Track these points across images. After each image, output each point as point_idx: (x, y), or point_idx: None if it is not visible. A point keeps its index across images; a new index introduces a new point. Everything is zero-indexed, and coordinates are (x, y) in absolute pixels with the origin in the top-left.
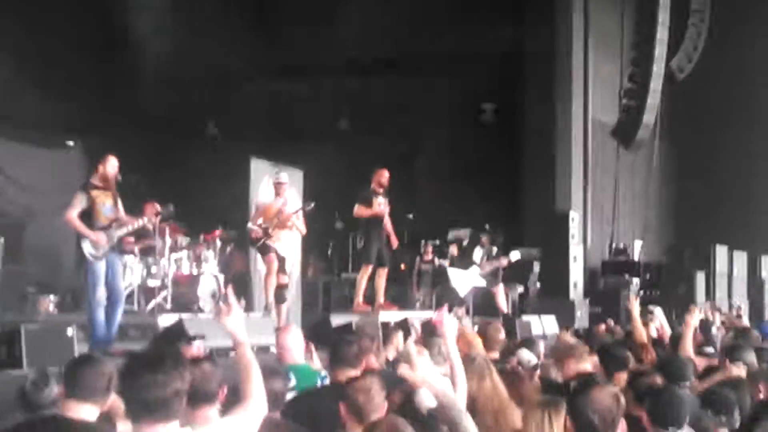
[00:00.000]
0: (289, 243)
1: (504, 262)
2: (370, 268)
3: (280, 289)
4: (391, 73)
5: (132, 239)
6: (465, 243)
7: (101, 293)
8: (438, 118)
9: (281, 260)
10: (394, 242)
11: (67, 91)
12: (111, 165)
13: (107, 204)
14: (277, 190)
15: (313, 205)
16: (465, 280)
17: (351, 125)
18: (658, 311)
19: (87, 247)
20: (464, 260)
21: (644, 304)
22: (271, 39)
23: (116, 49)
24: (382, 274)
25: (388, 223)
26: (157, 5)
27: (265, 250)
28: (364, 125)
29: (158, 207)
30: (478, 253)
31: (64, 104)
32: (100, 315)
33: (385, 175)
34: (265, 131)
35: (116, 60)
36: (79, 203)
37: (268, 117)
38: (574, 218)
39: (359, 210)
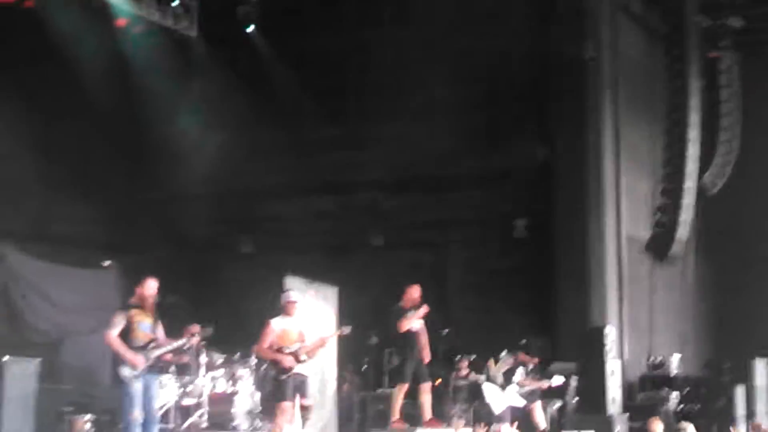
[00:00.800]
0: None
1: (545, 385)
2: (405, 387)
3: (305, 410)
4: (423, 189)
5: (169, 356)
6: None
7: (137, 414)
8: (470, 232)
9: (302, 383)
10: (426, 357)
11: (104, 210)
12: (149, 287)
13: (145, 323)
14: (288, 310)
15: (350, 329)
16: (501, 397)
17: (384, 241)
18: (690, 429)
19: (124, 368)
20: (505, 379)
21: (683, 418)
22: (306, 157)
23: (153, 167)
24: (426, 389)
25: (424, 337)
26: (193, 125)
27: (282, 392)
28: (397, 241)
29: (196, 328)
30: (519, 374)
31: (101, 223)
32: None
33: (416, 292)
34: (300, 247)
35: (153, 178)
36: (118, 323)
37: (303, 233)
38: (610, 333)
39: (402, 324)
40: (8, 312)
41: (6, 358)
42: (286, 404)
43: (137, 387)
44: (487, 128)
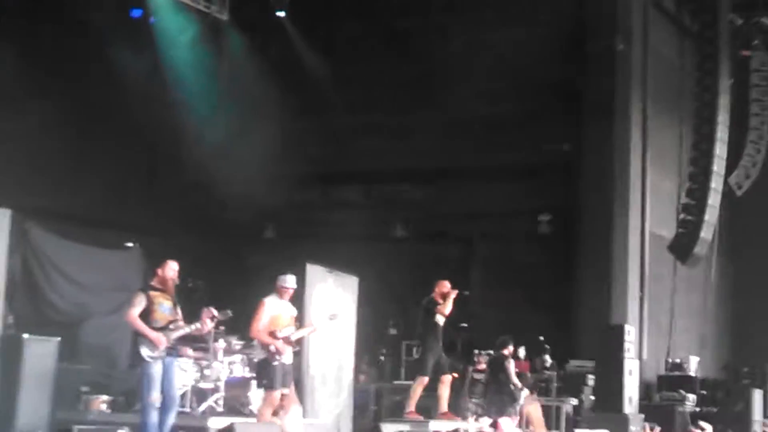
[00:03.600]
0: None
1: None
2: (426, 380)
3: (285, 399)
4: (448, 181)
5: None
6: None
7: (155, 396)
8: (494, 227)
9: (290, 372)
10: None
11: (129, 192)
12: (170, 269)
13: (165, 305)
14: (281, 293)
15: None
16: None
17: (406, 232)
18: (709, 430)
19: (144, 349)
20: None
21: (700, 420)
22: (332, 145)
23: (180, 151)
24: (446, 382)
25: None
26: (222, 112)
27: (271, 380)
28: (419, 233)
29: (215, 312)
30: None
31: (126, 205)
32: (153, 418)
33: (446, 286)
34: (322, 236)
35: (179, 163)
36: (139, 303)
37: (326, 222)
38: (630, 332)
39: (443, 310)
40: (29, 289)
41: (26, 336)
42: (275, 393)
43: (157, 369)
44: (515, 122)
